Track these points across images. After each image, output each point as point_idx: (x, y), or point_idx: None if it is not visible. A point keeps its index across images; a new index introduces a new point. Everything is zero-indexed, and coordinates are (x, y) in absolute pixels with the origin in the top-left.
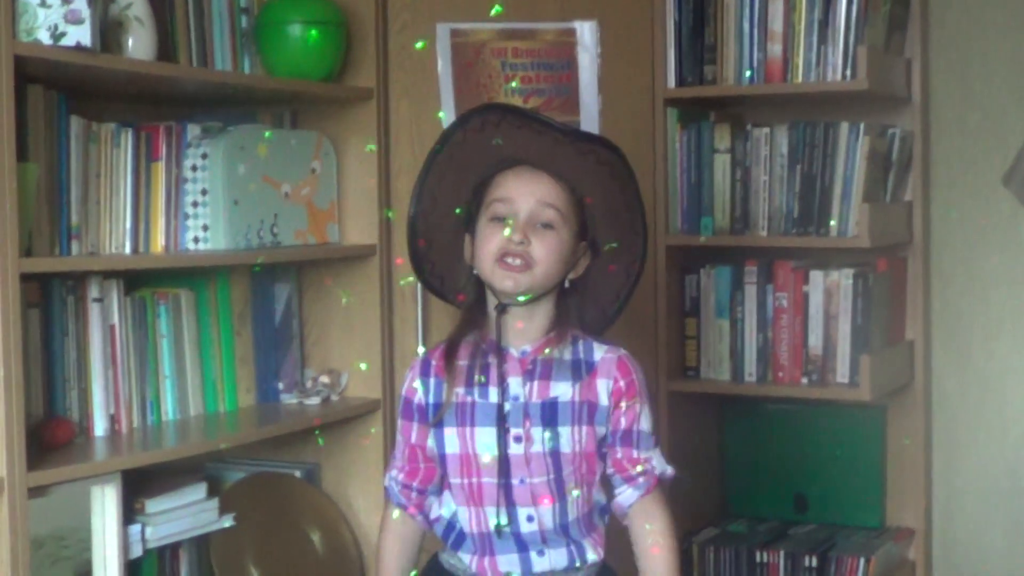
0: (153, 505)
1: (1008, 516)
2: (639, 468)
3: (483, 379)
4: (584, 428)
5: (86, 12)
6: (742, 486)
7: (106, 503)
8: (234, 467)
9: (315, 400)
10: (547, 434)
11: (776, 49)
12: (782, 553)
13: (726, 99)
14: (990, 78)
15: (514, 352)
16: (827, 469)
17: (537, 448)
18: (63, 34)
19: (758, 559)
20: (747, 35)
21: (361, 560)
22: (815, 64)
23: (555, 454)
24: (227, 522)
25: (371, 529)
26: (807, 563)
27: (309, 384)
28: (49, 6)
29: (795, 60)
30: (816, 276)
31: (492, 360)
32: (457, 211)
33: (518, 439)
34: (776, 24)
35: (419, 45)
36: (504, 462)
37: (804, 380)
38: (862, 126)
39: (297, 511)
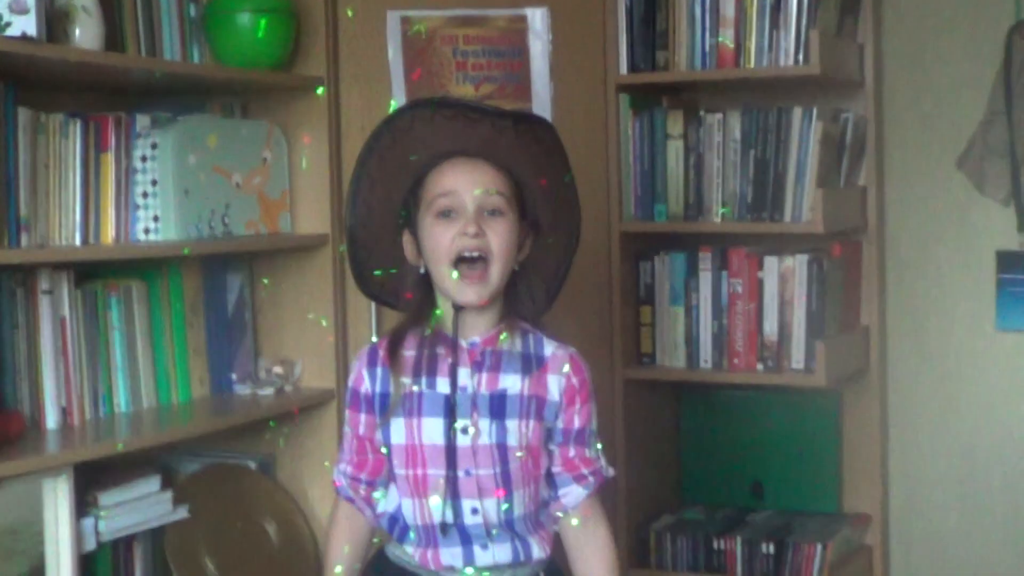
0: (106, 498)
1: (964, 500)
2: (591, 467)
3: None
4: (532, 422)
5: (32, 2)
6: (698, 473)
7: (58, 497)
8: (188, 459)
9: (269, 391)
10: (494, 426)
11: (728, 34)
12: (739, 540)
13: (679, 85)
14: (943, 62)
15: (463, 343)
16: (783, 455)
17: (484, 440)
18: (8, 24)
19: (715, 546)
20: (699, 21)
21: (316, 551)
22: (767, 49)
23: (502, 447)
24: (181, 514)
25: (326, 520)
26: (764, 549)
27: (263, 375)
28: None
29: (747, 45)
30: (770, 262)
31: (440, 351)
32: (403, 215)
33: (465, 430)
34: (728, 9)
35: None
36: (451, 453)
37: (759, 366)
38: (815, 111)
39: (252, 502)
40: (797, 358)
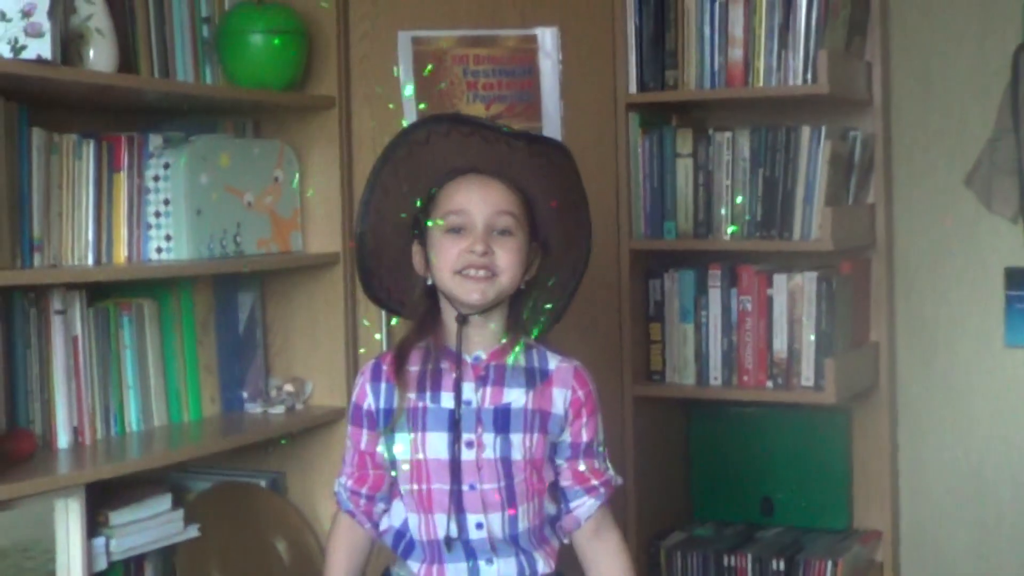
0: (117, 517)
1: (974, 516)
2: (601, 478)
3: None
4: (536, 436)
5: (47, 25)
6: (708, 490)
7: (70, 516)
8: (199, 477)
9: (279, 409)
10: (498, 440)
11: (737, 54)
12: (749, 557)
13: (688, 104)
14: (950, 80)
15: (467, 357)
16: (793, 472)
17: (488, 454)
18: (24, 47)
19: (726, 563)
20: (708, 40)
21: None
22: (776, 68)
23: (506, 461)
24: (192, 533)
25: None
26: (775, 567)
27: (273, 393)
28: (9, 19)
29: (756, 64)
30: (779, 279)
31: (444, 365)
32: (413, 232)
33: (470, 444)
34: (737, 29)
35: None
36: (455, 467)
37: (769, 383)
38: (823, 129)
39: (262, 521)
40: (807, 375)
